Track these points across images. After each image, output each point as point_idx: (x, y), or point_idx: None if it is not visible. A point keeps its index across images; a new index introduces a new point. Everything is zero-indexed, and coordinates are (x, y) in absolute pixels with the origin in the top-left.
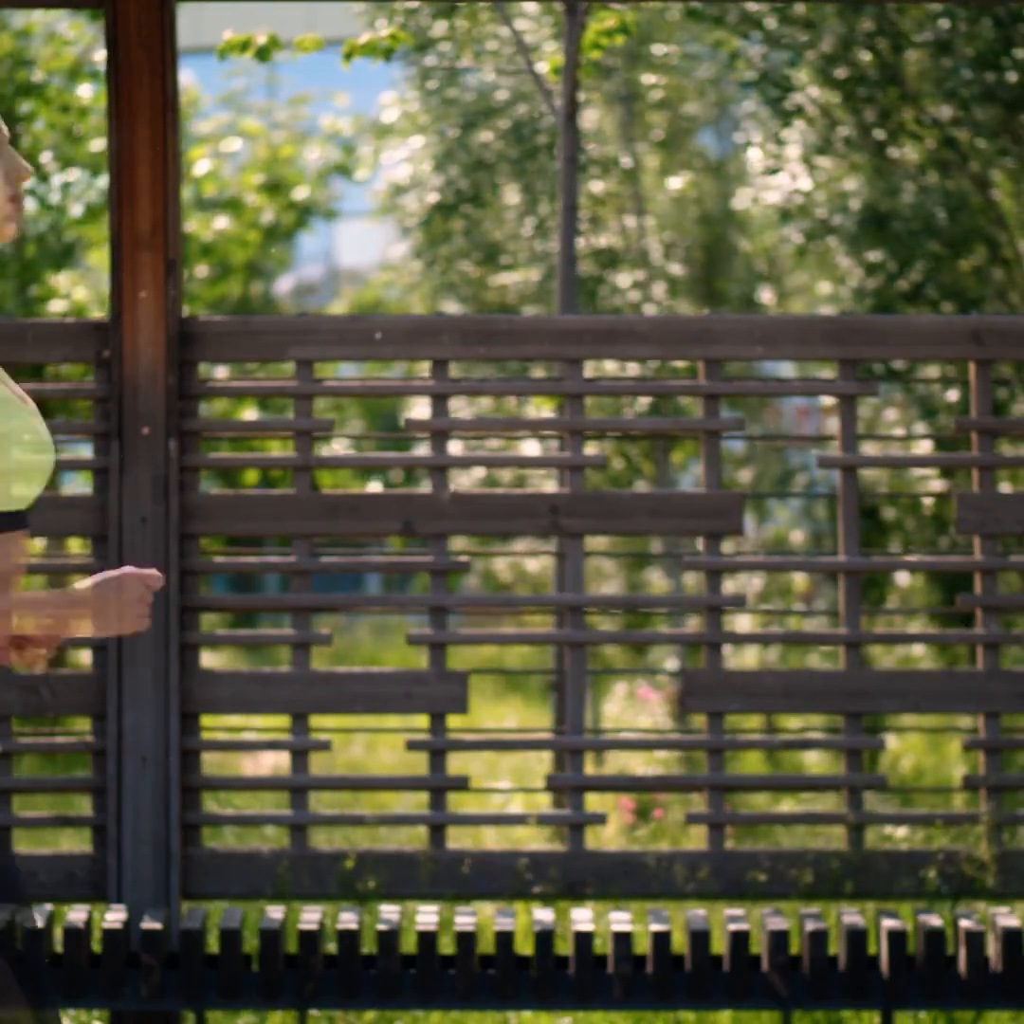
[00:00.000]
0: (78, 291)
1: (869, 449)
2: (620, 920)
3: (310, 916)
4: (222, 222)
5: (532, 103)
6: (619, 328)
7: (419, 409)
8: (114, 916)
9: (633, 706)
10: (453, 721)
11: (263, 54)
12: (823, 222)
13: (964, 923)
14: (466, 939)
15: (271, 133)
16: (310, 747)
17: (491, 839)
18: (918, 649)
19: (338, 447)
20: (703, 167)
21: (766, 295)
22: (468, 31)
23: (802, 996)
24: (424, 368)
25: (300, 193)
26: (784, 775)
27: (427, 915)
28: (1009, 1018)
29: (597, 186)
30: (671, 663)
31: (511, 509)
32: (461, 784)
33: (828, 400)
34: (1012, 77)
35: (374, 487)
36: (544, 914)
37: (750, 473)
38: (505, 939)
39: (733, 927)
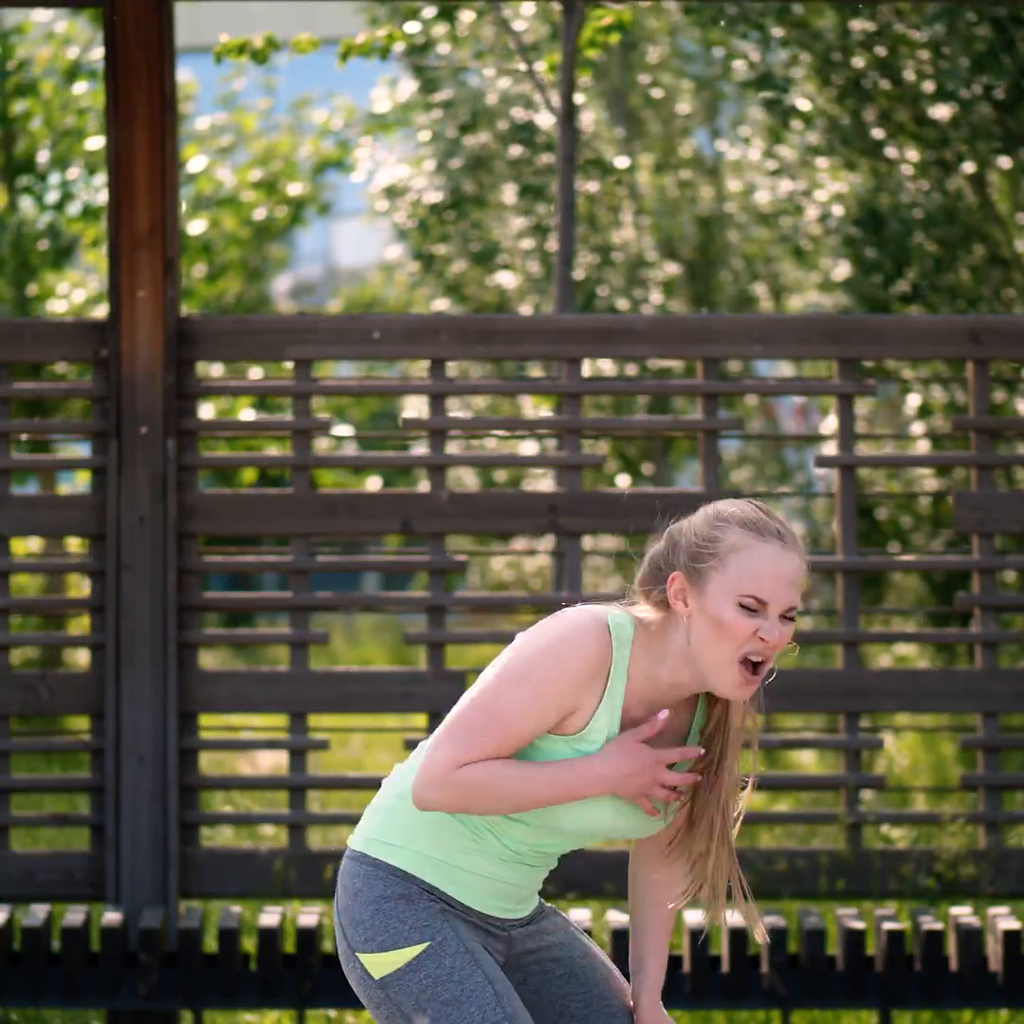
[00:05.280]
0: (76, 291)
1: (866, 448)
2: (619, 920)
3: (308, 916)
4: (219, 220)
5: (531, 102)
6: (617, 327)
7: (417, 407)
8: (112, 915)
9: None
10: None
11: (260, 56)
12: (823, 218)
13: (962, 923)
14: None
15: (267, 131)
16: (308, 746)
17: None
18: (914, 648)
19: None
20: (697, 167)
21: (761, 294)
22: (467, 32)
23: (800, 995)
24: (422, 367)
25: (294, 189)
26: (782, 774)
27: None
28: (1007, 1018)
29: (593, 186)
30: None
31: (509, 508)
32: None
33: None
34: (1009, 78)
35: (373, 485)
36: None
37: (746, 474)
38: None
39: (732, 927)
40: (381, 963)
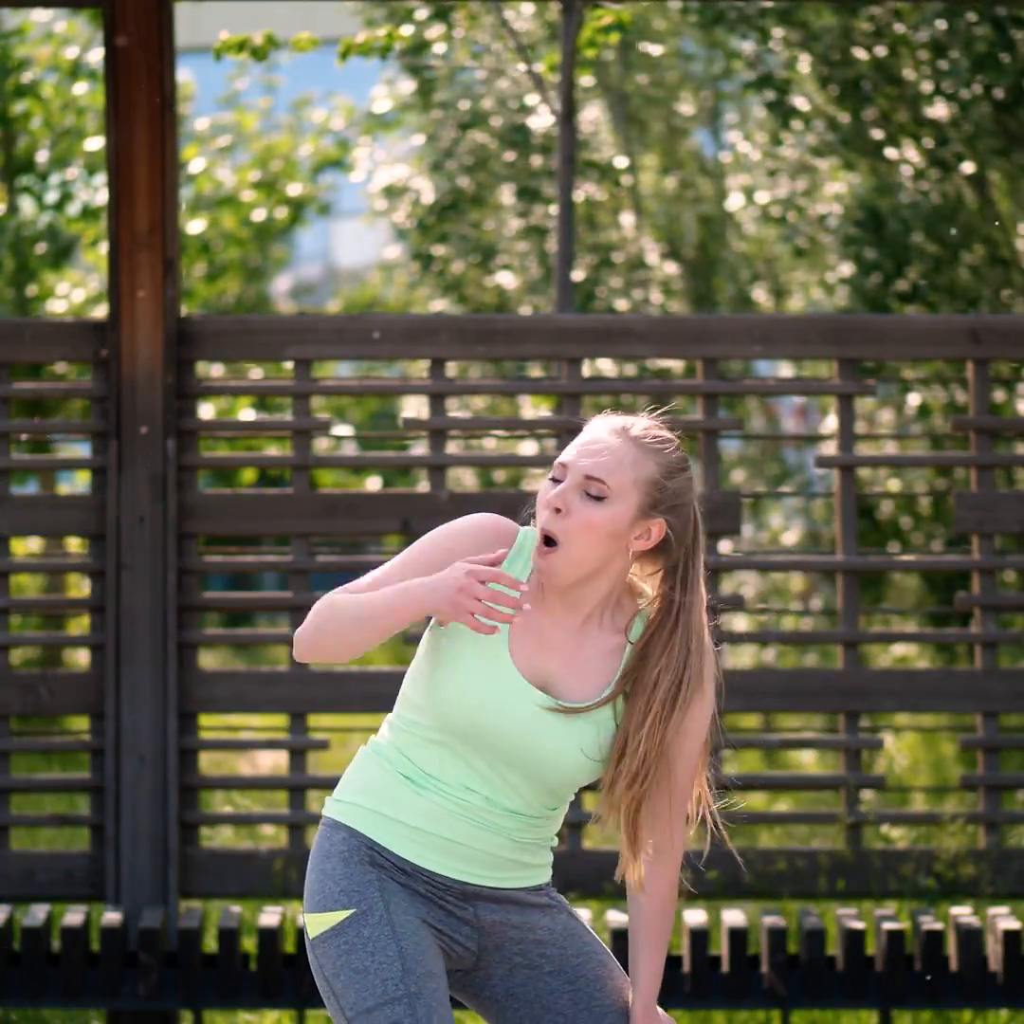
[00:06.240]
0: (76, 291)
1: (866, 448)
2: (619, 920)
3: None
4: (219, 220)
5: (528, 100)
6: (616, 327)
7: (416, 407)
8: (112, 915)
9: None
10: None
11: (259, 53)
12: (822, 218)
13: (962, 923)
14: None
15: (267, 131)
16: (308, 746)
17: None
18: (913, 648)
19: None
20: (698, 167)
21: (761, 295)
22: (465, 32)
23: (800, 995)
24: (422, 367)
25: (294, 189)
26: (782, 774)
27: None
28: (1007, 1018)
29: (592, 187)
30: None
31: (509, 508)
32: None
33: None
34: (1009, 78)
35: (373, 485)
36: None
37: (745, 474)
38: None
39: (732, 926)
40: (315, 923)
